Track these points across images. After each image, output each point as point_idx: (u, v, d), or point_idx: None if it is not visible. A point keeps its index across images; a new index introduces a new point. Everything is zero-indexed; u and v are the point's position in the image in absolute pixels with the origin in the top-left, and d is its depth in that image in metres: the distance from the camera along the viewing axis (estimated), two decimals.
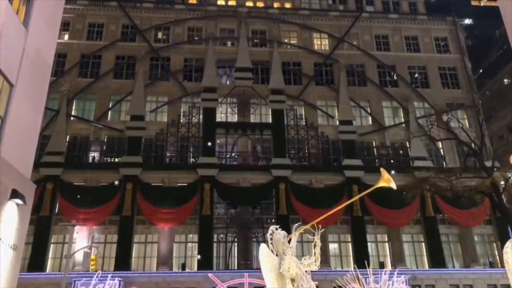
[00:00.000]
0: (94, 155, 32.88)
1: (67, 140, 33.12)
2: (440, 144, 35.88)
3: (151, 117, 35.24)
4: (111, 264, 29.49)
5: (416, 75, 40.27)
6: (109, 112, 35.31)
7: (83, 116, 34.81)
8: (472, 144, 30.31)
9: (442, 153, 36.54)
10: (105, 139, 33.71)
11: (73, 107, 35.26)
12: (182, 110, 35.28)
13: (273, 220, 31.34)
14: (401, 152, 35.93)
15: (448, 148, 36.39)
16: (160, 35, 39.43)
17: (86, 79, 36.23)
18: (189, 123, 34.47)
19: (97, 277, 26.67)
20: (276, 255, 8.95)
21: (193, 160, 33.42)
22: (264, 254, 8.82)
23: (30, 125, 13.91)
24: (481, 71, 62.34)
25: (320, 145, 34.89)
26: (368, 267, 11.39)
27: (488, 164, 28.15)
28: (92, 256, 26.21)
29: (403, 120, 37.35)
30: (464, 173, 28.32)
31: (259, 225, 31.32)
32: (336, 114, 36.66)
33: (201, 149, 33.54)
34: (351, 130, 35.38)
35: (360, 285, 10.18)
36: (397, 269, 27.86)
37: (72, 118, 34.35)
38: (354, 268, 11.52)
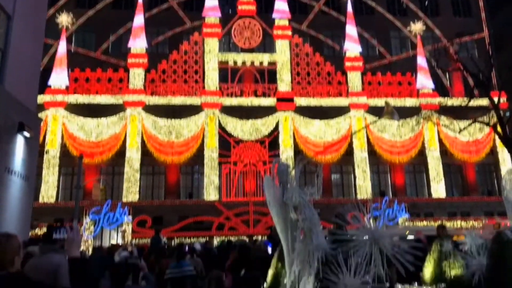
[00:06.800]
0: (97, 90, 32.59)
1: (69, 73, 32.75)
2: (447, 75, 35.34)
3: (152, 49, 34.55)
4: (120, 194, 30.46)
5: (426, 3, 38.59)
6: (110, 44, 34.59)
7: (84, 48, 34.17)
8: (480, 75, 29.78)
9: (448, 84, 36.07)
10: (108, 72, 33.22)
11: (73, 40, 34.54)
12: (184, 41, 34.42)
13: (277, 152, 31.80)
14: (407, 83, 35.37)
15: (456, 78, 35.89)
16: None
17: (84, 9, 35.03)
18: (192, 55, 33.81)
19: (107, 205, 27.84)
20: (280, 185, 9.20)
21: (197, 93, 33.15)
22: (268, 186, 9.06)
23: (31, 57, 13.74)
24: None
25: (326, 77, 34.33)
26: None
27: (495, 95, 27.90)
28: (101, 187, 27.13)
29: (410, 51, 36.48)
30: (470, 104, 28.15)
31: (264, 157, 31.80)
32: (343, 45, 35.70)
33: (204, 82, 33.22)
34: (357, 62, 34.69)
35: (360, 213, 10.52)
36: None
37: (72, 51, 33.74)
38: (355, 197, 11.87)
